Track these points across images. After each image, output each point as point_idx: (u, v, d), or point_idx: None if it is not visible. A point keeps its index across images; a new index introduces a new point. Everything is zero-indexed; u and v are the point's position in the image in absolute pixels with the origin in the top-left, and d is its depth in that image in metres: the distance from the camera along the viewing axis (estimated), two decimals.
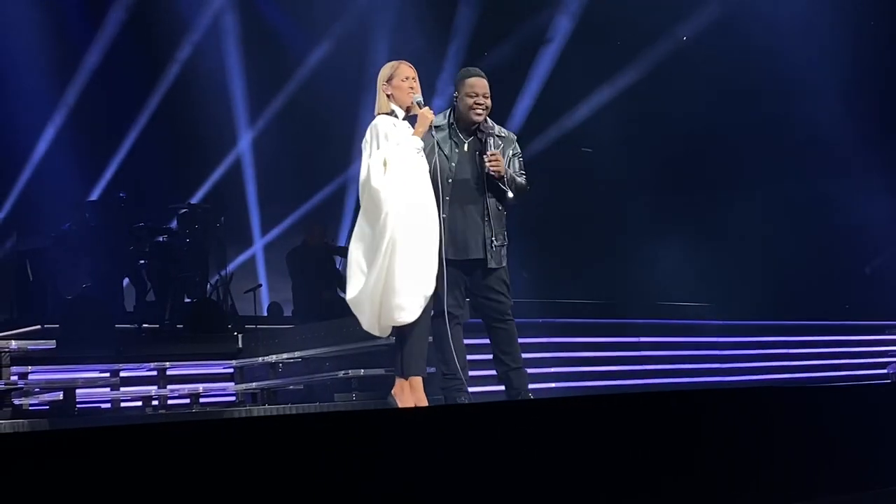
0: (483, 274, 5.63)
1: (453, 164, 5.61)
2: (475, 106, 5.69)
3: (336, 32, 13.31)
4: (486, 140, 5.74)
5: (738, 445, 4.19)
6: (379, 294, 5.21)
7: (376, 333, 5.37)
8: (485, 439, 3.57)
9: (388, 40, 13.05)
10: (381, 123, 5.40)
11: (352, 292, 5.29)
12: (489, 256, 5.63)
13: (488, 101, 5.72)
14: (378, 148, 5.31)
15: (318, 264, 10.75)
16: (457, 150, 5.65)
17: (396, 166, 5.30)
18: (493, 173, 5.62)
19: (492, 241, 5.64)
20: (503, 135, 5.84)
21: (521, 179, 5.80)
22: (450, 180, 5.57)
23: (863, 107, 12.90)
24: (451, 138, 5.68)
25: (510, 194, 5.71)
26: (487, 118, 5.78)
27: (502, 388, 5.76)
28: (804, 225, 13.21)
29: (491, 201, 5.69)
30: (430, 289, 5.31)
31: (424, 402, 5.40)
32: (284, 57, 13.57)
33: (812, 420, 4.58)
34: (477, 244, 5.61)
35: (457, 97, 5.74)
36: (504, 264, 5.72)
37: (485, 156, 5.64)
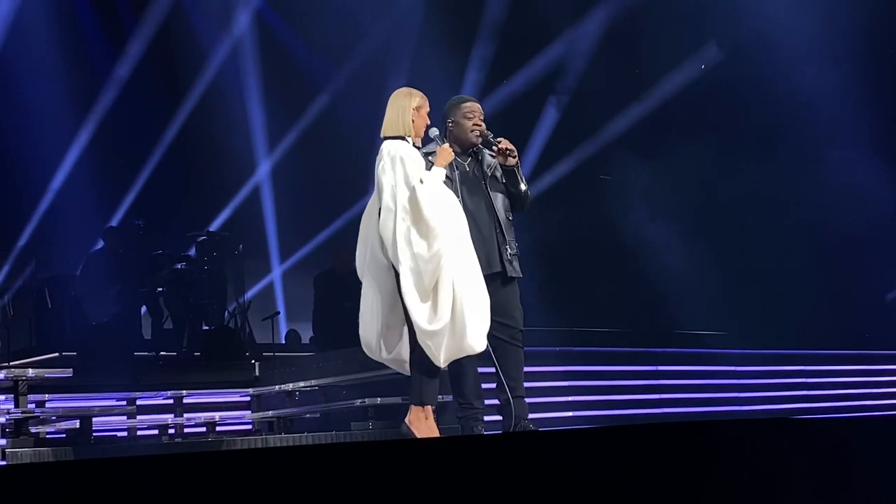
0: (502, 288, 5.64)
1: (460, 187, 5.65)
2: (475, 127, 5.79)
3: (354, 60, 13.38)
4: (482, 157, 5.84)
5: (755, 478, 4.16)
6: (453, 324, 5.16)
7: (440, 365, 5.26)
8: (503, 470, 3.55)
9: (406, 67, 13.11)
10: (403, 149, 5.38)
11: (430, 323, 5.15)
12: (505, 265, 5.67)
13: (484, 125, 5.83)
14: (406, 174, 5.28)
15: (343, 290, 10.73)
16: (458, 172, 5.70)
17: (441, 196, 5.32)
18: (510, 160, 5.73)
19: (506, 250, 5.69)
20: (493, 155, 5.92)
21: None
22: (461, 200, 5.60)
23: (888, 137, 12.89)
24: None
25: (523, 186, 5.82)
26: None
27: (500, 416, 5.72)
28: (824, 253, 13.14)
29: (500, 212, 5.76)
30: (489, 316, 5.30)
31: (436, 432, 5.38)
32: (303, 85, 13.64)
33: (831, 452, 4.53)
34: (494, 256, 5.65)
35: (451, 122, 5.81)
36: (520, 274, 5.74)
37: (494, 147, 5.74)
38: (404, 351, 5.43)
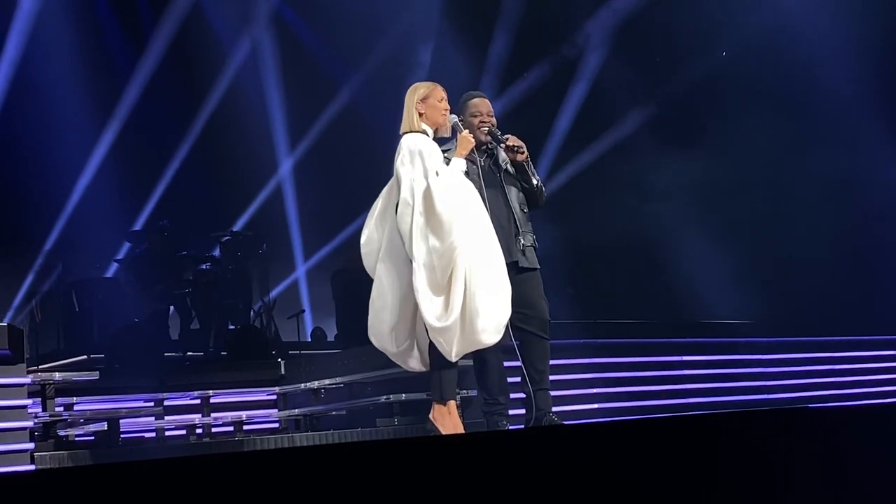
0: (522, 278, 5.65)
1: (476, 182, 5.66)
2: (480, 125, 5.83)
3: (374, 57, 13.39)
4: (495, 152, 5.88)
5: (781, 468, 4.14)
6: (464, 318, 5.17)
7: (451, 359, 5.25)
8: (528, 465, 3.56)
9: (425, 63, 13.12)
10: (421, 143, 5.39)
11: (440, 319, 5.16)
12: (520, 256, 5.69)
13: (493, 120, 5.87)
14: (425, 168, 5.30)
15: (360, 286, 10.75)
16: (474, 166, 5.71)
17: (457, 188, 5.32)
18: (519, 157, 5.76)
19: (518, 241, 5.71)
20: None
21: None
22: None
23: None
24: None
25: (535, 180, 5.87)
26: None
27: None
28: (850, 238, 13.05)
29: (514, 204, 5.80)
30: (508, 307, 5.30)
31: (460, 427, 5.38)
32: (323, 82, 13.66)
33: (860, 440, 4.51)
34: (512, 247, 5.67)
35: (462, 119, 5.82)
36: (538, 266, 5.75)
37: (503, 144, 5.77)
38: (413, 348, 5.44)
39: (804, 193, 13.20)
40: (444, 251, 5.17)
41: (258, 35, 13.35)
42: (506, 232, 5.67)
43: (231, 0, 13.29)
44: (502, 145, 5.81)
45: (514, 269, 5.64)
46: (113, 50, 12.92)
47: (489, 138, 5.84)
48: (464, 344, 5.20)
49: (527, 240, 5.76)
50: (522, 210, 5.83)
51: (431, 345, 5.32)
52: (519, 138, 5.83)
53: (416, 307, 5.33)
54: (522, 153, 5.78)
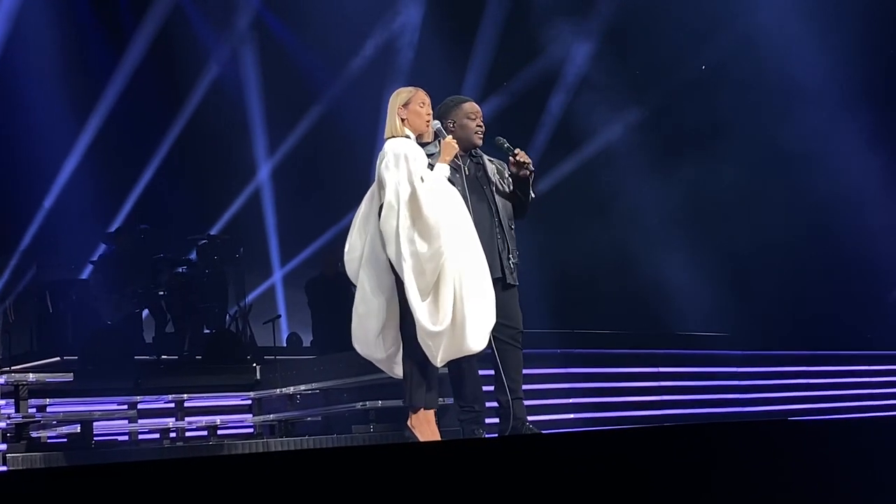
0: (502, 292, 5.62)
1: (460, 188, 5.62)
2: (477, 129, 5.75)
3: (355, 63, 13.39)
4: (481, 161, 5.80)
5: (757, 480, 4.15)
6: (454, 324, 5.14)
7: (436, 364, 5.22)
8: (505, 473, 3.55)
9: (406, 70, 13.12)
10: (406, 147, 5.35)
11: (434, 323, 5.13)
12: (507, 273, 5.65)
13: (483, 127, 5.79)
14: (410, 172, 5.26)
15: (335, 293, 10.77)
16: (458, 175, 5.67)
17: (442, 194, 5.30)
18: (526, 170, 5.66)
19: (509, 258, 5.68)
20: (493, 160, 5.88)
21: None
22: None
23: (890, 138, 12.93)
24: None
25: (532, 195, 5.80)
26: None
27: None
28: (825, 254, 13.13)
29: (504, 220, 5.73)
30: (493, 315, 5.27)
31: (437, 435, 5.36)
32: (303, 88, 13.65)
33: (834, 453, 4.52)
34: (495, 262, 5.62)
35: (452, 123, 5.75)
36: (517, 283, 5.73)
37: (513, 156, 5.66)
38: (398, 353, 5.39)
39: (782, 208, 13.29)
40: (432, 256, 5.15)
41: (239, 39, 13.33)
42: (489, 246, 5.57)
43: (213, 3, 13.26)
44: (510, 159, 5.70)
45: (500, 283, 5.60)
46: (92, 50, 12.86)
47: (481, 143, 5.77)
48: (451, 350, 5.18)
49: (514, 257, 5.72)
50: (510, 226, 5.77)
51: (406, 349, 5.28)
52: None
53: (397, 313, 5.31)
54: (531, 170, 5.70)
